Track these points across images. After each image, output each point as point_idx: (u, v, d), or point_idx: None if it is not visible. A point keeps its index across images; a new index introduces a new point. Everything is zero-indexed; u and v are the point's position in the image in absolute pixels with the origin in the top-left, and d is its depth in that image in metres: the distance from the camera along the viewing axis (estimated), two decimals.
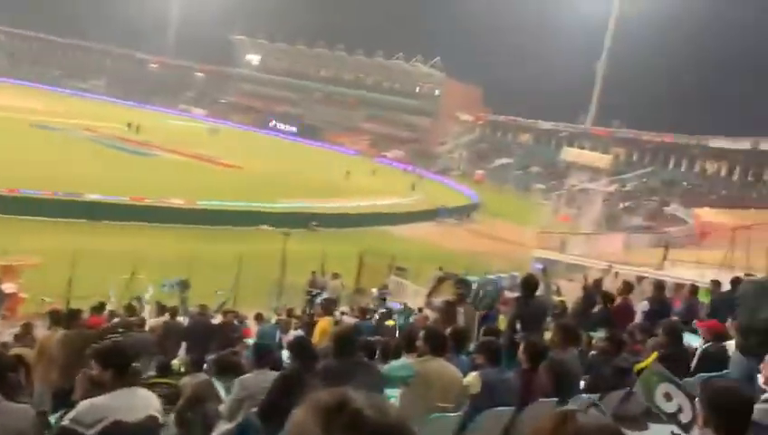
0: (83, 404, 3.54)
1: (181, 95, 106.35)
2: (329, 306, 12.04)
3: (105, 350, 3.76)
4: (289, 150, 69.73)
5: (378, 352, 7.02)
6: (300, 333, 10.23)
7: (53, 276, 16.10)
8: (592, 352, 6.54)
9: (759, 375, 4.35)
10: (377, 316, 13.17)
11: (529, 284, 7.21)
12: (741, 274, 11.12)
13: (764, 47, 79.96)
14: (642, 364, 4.78)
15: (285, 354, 7.33)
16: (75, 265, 16.48)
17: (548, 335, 6.34)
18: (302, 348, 5.21)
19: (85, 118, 60.31)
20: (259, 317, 13.51)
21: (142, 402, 3.64)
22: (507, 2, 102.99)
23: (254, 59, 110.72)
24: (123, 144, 50.42)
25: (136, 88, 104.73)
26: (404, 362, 4.81)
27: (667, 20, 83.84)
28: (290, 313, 14.96)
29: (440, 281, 9.14)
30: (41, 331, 9.56)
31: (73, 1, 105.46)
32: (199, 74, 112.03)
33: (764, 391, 3.80)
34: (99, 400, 3.52)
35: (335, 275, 20.89)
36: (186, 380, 6.33)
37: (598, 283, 10.24)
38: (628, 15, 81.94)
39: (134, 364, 3.93)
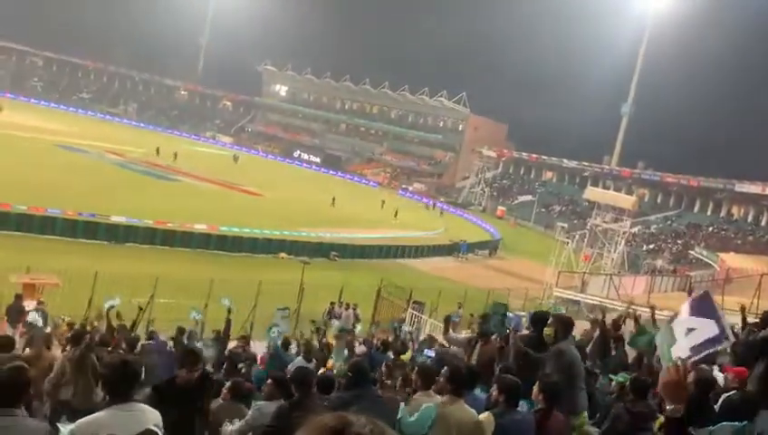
0: (84, 419, 3.64)
1: (208, 123, 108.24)
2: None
3: (111, 368, 3.81)
4: (312, 180, 70.27)
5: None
6: (301, 362, 10.09)
7: (74, 296, 16.24)
8: (612, 395, 6.37)
9: None
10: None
11: (540, 320, 6.97)
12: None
13: None
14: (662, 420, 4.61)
15: None
16: (96, 286, 16.62)
17: None
18: (302, 377, 5.16)
19: (113, 142, 61.55)
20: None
21: (142, 417, 3.66)
22: (535, 41, 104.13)
23: (282, 89, 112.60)
24: (149, 168, 51.26)
25: (164, 114, 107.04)
26: (425, 410, 4.67)
27: (694, 63, 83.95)
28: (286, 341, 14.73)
29: (446, 321, 9.02)
30: (56, 349, 9.60)
31: (106, 28, 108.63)
32: (227, 103, 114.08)
33: None
34: (99, 415, 3.57)
35: (347, 306, 20.81)
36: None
37: (617, 324, 10.01)
38: (656, 57, 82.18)
39: (138, 381, 3.95)
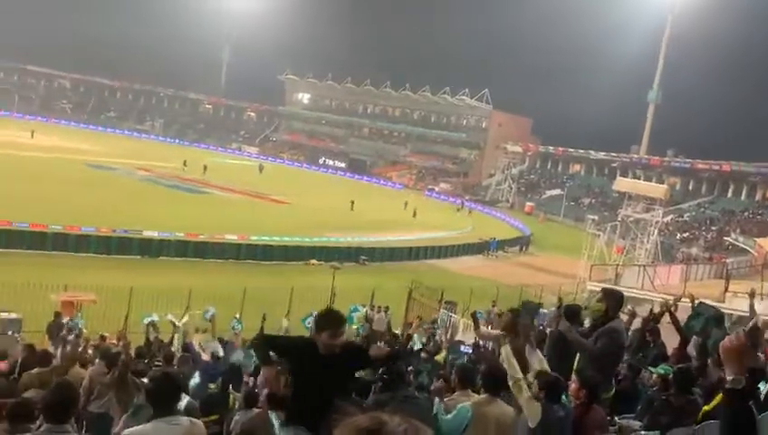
0: (129, 430, 3.73)
1: (234, 134, 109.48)
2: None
3: (154, 382, 3.86)
4: (337, 186, 70.53)
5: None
6: None
7: (111, 311, 16.54)
8: (653, 387, 6.25)
9: None
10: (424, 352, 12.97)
11: (573, 314, 6.73)
12: None
13: None
14: (710, 405, 4.50)
15: None
16: (132, 301, 16.92)
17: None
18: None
19: (142, 158, 62.62)
20: None
21: (186, 430, 3.70)
22: (555, 33, 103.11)
23: (304, 97, 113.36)
24: (178, 182, 52.00)
25: (190, 128, 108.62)
26: (461, 409, 4.62)
27: (721, 45, 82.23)
28: None
29: (474, 318, 8.93)
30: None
31: (129, 47, 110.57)
32: (251, 114, 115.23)
33: None
34: (145, 428, 3.62)
35: (378, 309, 20.89)
36: (237, 416, 6.33)
37: (656, 317, 9.81)
38: (681, 41, 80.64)
39: (180, 394, 4.01)
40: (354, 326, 17.78)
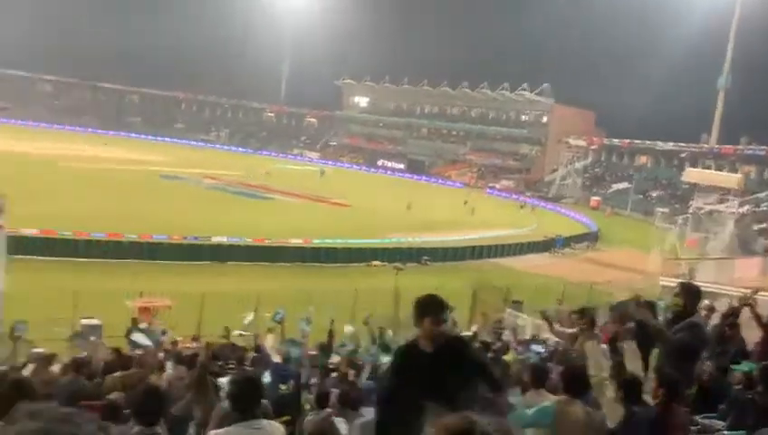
0: (212, 432, 3.85)
1: (295, 140, 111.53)
2: None
3: (236, 385, 3.95)
4: (396, 187, 70.71)
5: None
6: None
7: (185, 316, 17.13)
8: (737, 385, 5.98)
9: None
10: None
11: (649, 307, 6.41)
12: None
13: None
14: None
15: None
16: (204, 305, 17.46)
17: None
18: None
19: (209, 167, 64.55)
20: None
21: (267, 434, 3.76)
22: (615, 22, 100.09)
23: (362, 101, 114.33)
24: (243, 189, 53.34)
25: (254, 136, 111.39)
26: (545, 407, 4.50)
27: None
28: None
29: (546, 317, 8.74)
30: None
31: (194, 60, 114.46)
32: (311, 120, 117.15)
33: None
34: (228, 430, 3.70)
35: None
36: (309, 417, 6.44)
37: (736, 311, 9.36)
38: (752, 22, 76.69)
39: (261, 397, 4.09)
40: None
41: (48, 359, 9.77)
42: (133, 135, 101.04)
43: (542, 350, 11.31)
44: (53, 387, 7.10)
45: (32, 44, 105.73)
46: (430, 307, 3.81)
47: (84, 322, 16.25)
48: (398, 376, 3.91)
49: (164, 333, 14.89)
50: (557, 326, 8.15)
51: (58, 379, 7.91)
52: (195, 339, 14.84)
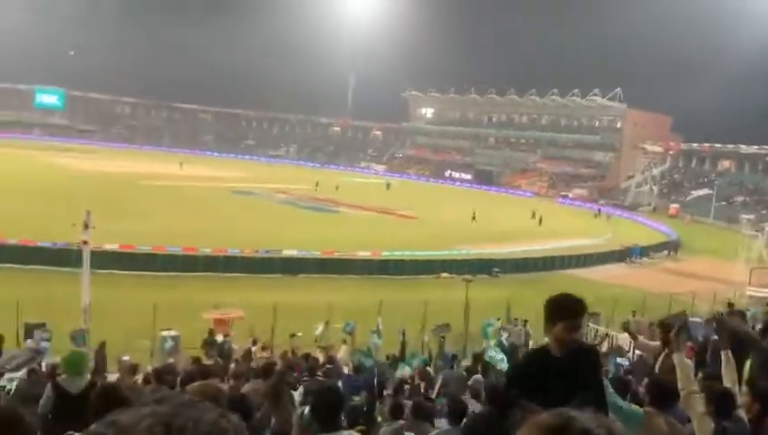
0: None
1: (361, 153, 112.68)
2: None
3: (317, 395, 3.92)
4: (464, 198, 70.12)
5: None
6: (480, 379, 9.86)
7: (258, 326, 17.46)
8: None
9: None
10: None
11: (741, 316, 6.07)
12: None
13: None
14: None
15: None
16: (276, 316, 17.75)
17: None
18: (494, 393, 5.01)
19: (279, 182, 66.04)
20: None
21: None
22: (686, 22, 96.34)
23: (428, 112, 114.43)
24: (312, 203, 54.20)
25: (321, 151, 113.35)
26: (636, 410, 4.21)
27: None
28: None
29: (628, 329, 8.34)
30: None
31: (262, 78, 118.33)
32: (377, 132, 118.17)
33: None
34: None
35: (516, 322, 20.40)
36: (383, 429, 6.37)
37: None
38: None
39: (343, 408, 4.04)
40: (490, 341, 17.41)
41: (133, 368, 10.14)
42: (207, 153, 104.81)
43: (626, 363, 10.85)
44: (137, 395, 7.32)
45: (111, 68, 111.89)
46: (565, 311, 3.20)
47: (164, 333, 16.81)
48: (519, 385, 3.38)
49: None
50: (642, 339, 7.75)
51: (142, 387, 8.16)
52: (264, 347, 15.08)
